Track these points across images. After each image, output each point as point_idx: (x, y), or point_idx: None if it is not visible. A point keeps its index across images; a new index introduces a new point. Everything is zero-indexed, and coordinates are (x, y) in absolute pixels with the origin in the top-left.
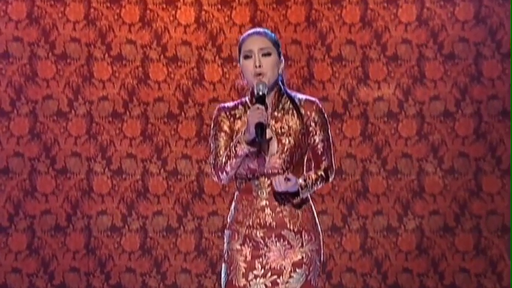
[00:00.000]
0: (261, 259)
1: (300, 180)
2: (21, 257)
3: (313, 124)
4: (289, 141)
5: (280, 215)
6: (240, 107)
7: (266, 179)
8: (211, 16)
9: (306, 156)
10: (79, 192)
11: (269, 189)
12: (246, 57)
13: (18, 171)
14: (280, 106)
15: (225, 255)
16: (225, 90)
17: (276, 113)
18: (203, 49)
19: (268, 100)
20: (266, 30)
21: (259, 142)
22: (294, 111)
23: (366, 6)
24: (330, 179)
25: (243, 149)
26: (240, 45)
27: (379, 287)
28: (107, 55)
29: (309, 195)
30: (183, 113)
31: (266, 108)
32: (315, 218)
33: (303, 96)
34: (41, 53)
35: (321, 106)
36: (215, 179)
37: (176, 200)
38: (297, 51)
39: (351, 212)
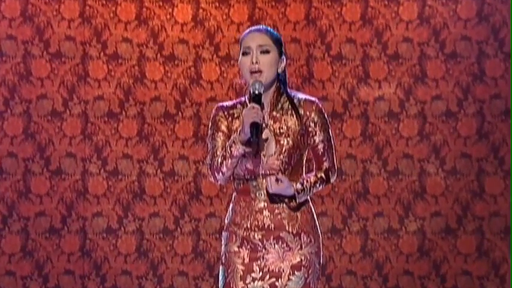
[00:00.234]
0: (259, 261)
1: (297, 185)
2: (14, 260)
3: (312, 124)
4: (288, 142)
5: (279, 216)
6: (238, 106)
7: (264, 180)
8: (208, 14)
9: (305, 157)
10: (74, 193)
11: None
12: (244, 53)
13: (12, 172)
14: (279, 106)
15: (223, 258)
16: (223, 90)
17: (274, 113)
18: (200, 48)
19: (267, 99)
20: (268, 28)
21: (254, 142)
22: (293, 112)
23: (367, 4)
24: (332, 180)
25: (238, 149)
26: (240, 42)
27: None
28: (102, 54)
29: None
30: (180, 113)
31: (262, 108)
32: (314, 219)
33: (302, 95)
34: (35, 52)
35: (320, 106)
36: (211, 179)
37: (173, 202)
38: (296, 50)
39: (351, 213)
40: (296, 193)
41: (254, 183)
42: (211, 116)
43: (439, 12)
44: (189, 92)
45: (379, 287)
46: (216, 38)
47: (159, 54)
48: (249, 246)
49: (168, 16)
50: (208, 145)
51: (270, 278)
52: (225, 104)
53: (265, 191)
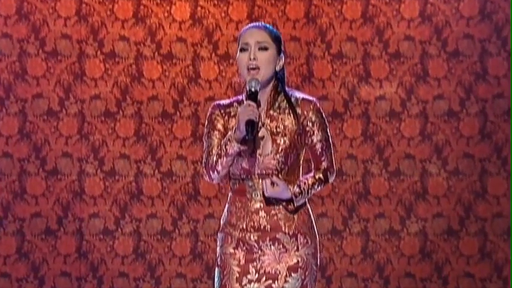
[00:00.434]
0: (255, 263)
1: (295, 188)
2: (10, 261)
3: (310, 124)
4: (284, 141)
5: (275, 217)
6: (235, 104)
7: (260, 181)
8: (207, 12)
9: (302, 157)
10: (70, 194)
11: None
12: (242, 49)
13: (7, 172)
14: (276, 105)
15: (218, 259)
16: (222, 89)
17: (271, 112)
18: (199, 46)
19: (264, 98)
20: (267, 25)
21: (249, 140)
22: (290, 111)
23: (367, 2)
24: (330, 180)
25: (233, 147)
26: (238, 38)
27: None
28: (99, 52)
29: None
30: (178, 112)
31: (258, 106)
32: (311, 220)
33: (300, 95)
34: (31, 50)
35: (318, 105)
36: (206, 178)
37: (171, 202)
38: (296, 48)
39: (352, 214)
40: (293, 196)
41: (250, 184)
42: (208, 114)
43: (441, 10)
44: (187, 91)
45: None
46: (214, 36)
47: (156, 53)
48: (244, 248)
49: (166, 14)
50: (204, 143)
51: (266, 279)
52: (222, 102)
53: (261, 191)
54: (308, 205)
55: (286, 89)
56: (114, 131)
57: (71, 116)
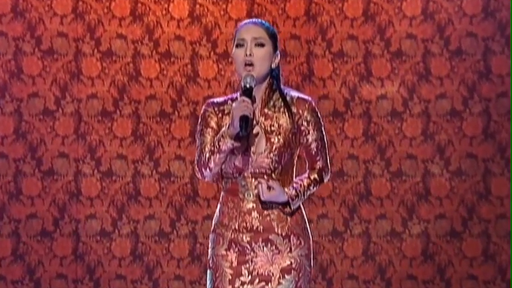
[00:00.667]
0: (247, 265)
1: (291, 191)
2: (5, 263)
3: (305, 123)
4: (278, 140)
5: (268, 218)
6: (229, 102)
7: (253, 180)
8: (206, 10)
9: (296, 157)
10: (67, 195)
11: (256, 191)
12: (238, 45)
13: (3, 173)
14: (271, 103)
15: (210, 261)
16: (221, 88)
17: (266, 110)
18: (197, 44)
19: (258, 95)
20: (263, 21)
21: (243, 136)
22: (285, 109)
23: (369, 0)
24: (325, 181)
25: (226, 143)
26: (235, 34)
27: None
28: (96, 51)
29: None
30: (176, 112)
31: (253, 102)
32: (304, 221)
33: (296, 93)
34: (27, 49)
35: (314, 105)
36: (198, 175)
37: (169, 203)
38: (296, 47)
39: (353, 215)
40: (290, 200)
41: (243, 183)
42: (201, 112)
43: (443, 7)
44: (185, 90)
45: None
46: (213, 35)
47: (154, 51)
48: (236, 249)
49: (164, 12)
50: (197, 141)
51: (259, 281)
52: (216, 100)
53: (254, 191)
54: (301, 206)
55: (282, 87)
56: (111, 130)
57: (67, 116)
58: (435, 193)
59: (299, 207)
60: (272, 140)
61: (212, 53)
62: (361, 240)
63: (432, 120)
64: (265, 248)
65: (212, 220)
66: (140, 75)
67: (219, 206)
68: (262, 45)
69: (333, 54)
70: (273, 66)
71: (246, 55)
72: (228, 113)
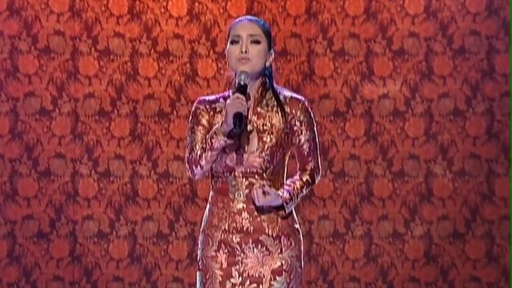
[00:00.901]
0: (237, 266)
1: (285, 194)
2: (1, 266)
3: (298, 123)
4: (271, 140)
5: (258, 219)
6: (221, 100)
7: (244, 180)
8: (205, 8)
9: (287, 157)
10: (63, 196)
11: (247, 191)
12: (233, 42)
13: None
14: (264, 102)
15: (199, 263)
16: (220, 87)
17: (258, 109)
18: (196, 43)
19: (251, 93)
20: (259, 19)
21: (236, 133)
22: (278, 109)
23: None
24: (317, 182)
25: (219, 140)
26: (229, 30)
27: None
28: (93, 49)
29: None
30: (174, 112)
31: (247, 99)
32: (295, 221)
33: (289, 93)
34: (23, 47)
35: (307, 105)
36: (189, 173)
37: (167, 204)
38: (296, 45)
39: (355, 217)
40: (285, 203)
41: (233, 183)
42: (192, 109)
43: (446, 5)
44: (184, 90)
45: None
46: (212, 33)
47: (152, 50)
48: (226, 250)
49: (163, 10)
50: (188, 139)
51: (250, 283)
52: (207, 97)
53: (244, 191)
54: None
55: (274, 86)
56: (109, 130)
57: (64, 115)
58: (438, 194)
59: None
60: (264, 139)
61: (211, 51)
62: (362, 241)
63: (435, 120)
64: (255, 249)
65: None
66: (138, 74)
67: (208, 206)
68: (258, 42)
69: (334, 53)
70: (267, 64)
71: (242, 52)
72: (220, 111)
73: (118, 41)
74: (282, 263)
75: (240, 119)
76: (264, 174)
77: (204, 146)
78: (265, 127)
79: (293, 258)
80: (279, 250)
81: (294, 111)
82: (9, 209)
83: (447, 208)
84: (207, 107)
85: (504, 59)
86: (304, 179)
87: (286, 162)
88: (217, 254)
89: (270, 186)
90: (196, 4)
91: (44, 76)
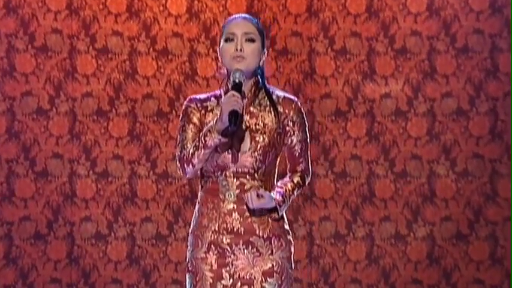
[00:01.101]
0: (228, 268)
1: (278, 197)
2: None
3: (290, 124)
4: (263, 139)
5: (249, 220)
6: (212, 99)
7: (235, 180)
8: (204, 6)
9: (279, 158)
10: (61, 196)
11: (238, 191)
12: (228, 40)
13: None
14: (257, 101)
15: (188, 265)
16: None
17: (251, 108)
18: (196, 42)
19: (244, 92)
20: (252, 17)
21: (232, 131)
22: (271, 108)
23: None
24: (306, 183)
25: (213, 138)
26: (223, 28)
27: None
28: (91, 48)
29: None
30: (173, 111)
31: (243, 97)
32: (284, 222)
33: (281, 93)
34: (20, 46)
35: (300, 105)
36: (179, 172)
37: (166, 205)
38: (297, 44)
39: (356, 218)
40: (278, 206)
41: (224, 183)
42: (183, 108)
43: (449, 3)
44: (183, 89)
45: None
46: (212, 32)
47: (151, 49)
48: (216, 252)
49: (161, 8)
50: (178, 137)
51: (241, 285)
52: (198, 96)
53: (235, 191)
54: None
55: (267, 85)
56: (107, 130)
57: (61, 115)
58: (441, 195)
59: None
60: (257, 138)
61: (211, 50)
62: (364, 243)
63: (438, 120)
64: (245, 250)
65: None
66: (137, 73)
67: (197, 206)
68: (252, 40)
69: (336, 52)
70: (261, 63)
71: (237, 50)
72: (212, 110)
73: (116, 40)
74: (273, 265)
75: (235, 116)
76: (256, 175)
77: (197, 144)
78: (257, 127)
79: (284, 260)
80: (269, 251)
81: (287, 111)
82: (5, 210)
83: (450, 209)
84: (198, 105)
85: (508, 58)
86: (295, 181)
87: (277, 163)
88: (207, 255)
89: (262, 186)
90: (196, 2)
91: (41, 75)
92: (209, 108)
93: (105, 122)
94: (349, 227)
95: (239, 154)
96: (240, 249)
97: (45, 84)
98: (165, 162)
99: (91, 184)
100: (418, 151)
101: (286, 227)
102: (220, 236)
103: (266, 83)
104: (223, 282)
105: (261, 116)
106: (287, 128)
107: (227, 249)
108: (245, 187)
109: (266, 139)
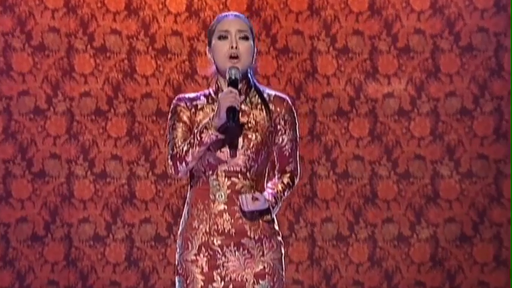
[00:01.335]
0: (219, 270)
1: (271, 198)
2: None
3: (282, 122)
4: (256, 137)
5: (240, 221)
6: (202, 98)
7: (226, 179)
8: (204, 4)
9: (270, 158)
10: (58, 197)
11: (229, 191)
12: (221, 37)
13: None
14: (248, 99)
15: (178, 267)
16: None
17: (243, 106)
18: (195, 40)
19: None
20: (242, 14)
21: (230, 127)
22: (262, 106)
23: None
24: (296, 184)
25: (210, 135)
26: (214, 25)
27: None
28: (89, 46)
29: None
30: None
31: (240, 94)
32: (275, 222)
33: (272, 91)
34: (16, 44)
35: (291, 104)
36: (171, 171)
37: (165, 207)
38: (298, 43)
39: (358, 219)
40: (271, 207)
41: (215, 183)
42: (172, 107)
43: (453, 1)
44: (183, 88)
45: None
46: None
47: (150, 47)
48: (207, 254)
49: (161, 6)
50: (168, 136)
51: (233, 287)
52: (187, 95)
53: (226, 192)
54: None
55: (257, 84)
56: (105, 130)
57: (59, 115)
58: (444, 196)
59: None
60: (249, 136)
61: None
62: (366, 245)
63: (441, 120)
64: (236, 252)
65: None
66: (135, 73)
67: (186, 207)
68: (246, 38)
69: (338, 51)
70: (253, 62)
71: (232, 47)
72: (202, 108)
73: (115, 38)
74: (264, 266)
75: (233, 112)
76: (248, 174)
77: (192, 141)
78: (249, 125)
79: (275, 261)
80: (260, 253)
81: (278, 110)
82: (2, 211)
83: (454, 210)
84: (188, 104)
85: None
86: (285, 182)
87: (268, 163)
88: (198, 257)
89: (253, 186)
90: (195, 0)
91: (38, 74)
92: (199, 106)
93: (103, 121)
94: (351, 229)
95: (236, 150)
96: (231, 251)
97: (42, 84)
98: (164, 162)
99: (89, 185)
100: (422, 151)
101: (277, 228)
102: (211, 238)
103: (255, 81)
104: (214, 284)
105: (253, 114)
106: (278, 127)
107: (218, 251)
108: (236, 187)
109: (259, 137)
